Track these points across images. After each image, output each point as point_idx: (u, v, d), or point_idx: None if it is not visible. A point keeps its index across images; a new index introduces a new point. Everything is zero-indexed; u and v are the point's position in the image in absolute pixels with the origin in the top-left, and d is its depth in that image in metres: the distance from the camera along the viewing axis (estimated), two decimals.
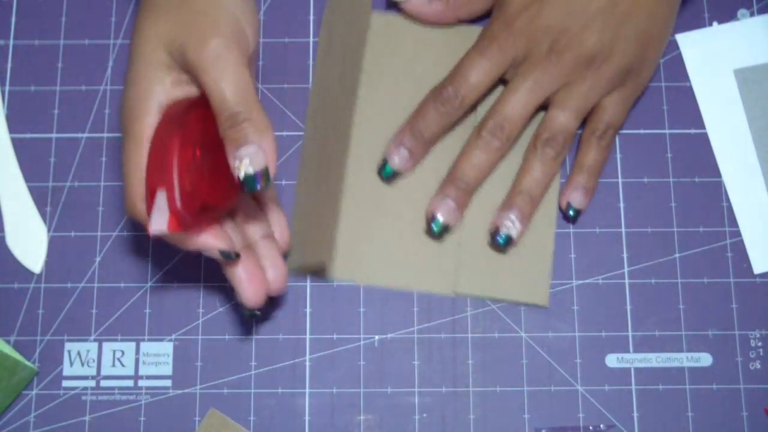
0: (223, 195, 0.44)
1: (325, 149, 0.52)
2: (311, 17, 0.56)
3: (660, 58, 0.52)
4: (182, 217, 0.42)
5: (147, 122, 0.43)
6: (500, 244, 0.50)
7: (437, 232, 0.50)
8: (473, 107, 0.52)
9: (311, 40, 0.55)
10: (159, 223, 0.42)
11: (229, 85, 0.42)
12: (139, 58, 0.43)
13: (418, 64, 0.54)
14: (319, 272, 0.51)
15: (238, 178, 0.42)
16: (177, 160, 0.42)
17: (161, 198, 0.42)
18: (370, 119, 0.53)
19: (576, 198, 0.51)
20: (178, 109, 0.43)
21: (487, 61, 0.50)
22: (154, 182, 0.42)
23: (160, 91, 0.43)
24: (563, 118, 0.50)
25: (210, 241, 0.44)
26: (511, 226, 0.50)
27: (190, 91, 0.44)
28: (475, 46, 0.50)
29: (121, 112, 0.44)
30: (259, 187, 0.42)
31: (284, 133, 0.54)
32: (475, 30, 0.53)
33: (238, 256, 0.45)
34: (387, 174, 0.51)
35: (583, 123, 0.52)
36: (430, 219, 0.50)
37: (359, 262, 0.51)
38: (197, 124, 0.43)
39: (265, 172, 0.42)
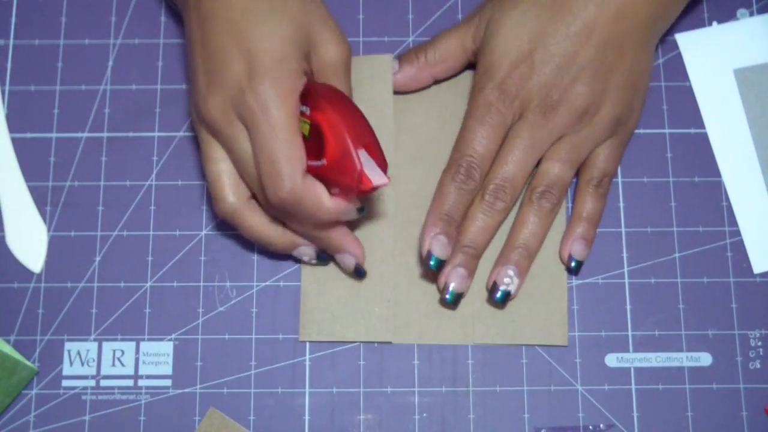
0: None
1: (355, 226, 0.51)
2: None
3: (643, 106, 0.52)
4: (386, 169, 0.44)
5: (294, 100, 0.44)
6: (498, 300, 0.50)
7: (451, 301, 0.50)
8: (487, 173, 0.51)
9: None
10: (378, 177, 0.43)
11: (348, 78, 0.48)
12: (274, 46, 0.44)
13: (422, 125, 0.54)
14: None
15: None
16: (356, 122, 0.44)
17: (363, 155, 0.43)
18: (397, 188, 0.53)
19: (577, 249, 0.51)
20: (327, 88, 0.46)
21: (490, 129, 0.49)
22: (355, 142, 0.43)
23: (299, 78, 0.44)
24: (558, 170, 0.50)
25: (352, 203, 0.46)
26: (509, 282, 0.50)
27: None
28: (474, 115, 0.50)
29: (252, 99, 0.44)
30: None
31: None
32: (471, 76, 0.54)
33: (365, 212, 0.48)
34: (435, 266, 0.49)
35: (577, 173, 0.52)
36: (444, 290, 0.50)
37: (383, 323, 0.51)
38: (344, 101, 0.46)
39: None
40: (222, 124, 0.45)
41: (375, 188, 0.43)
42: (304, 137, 0.44)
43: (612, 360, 0.51)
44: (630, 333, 0.51)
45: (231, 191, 0.47)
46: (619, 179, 0.53)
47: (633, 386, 0.51)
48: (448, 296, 0.50)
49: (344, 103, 0.45)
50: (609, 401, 0.50)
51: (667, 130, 0.54)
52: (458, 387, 0.51)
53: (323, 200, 0.45)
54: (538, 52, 0.48)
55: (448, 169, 0.50)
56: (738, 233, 0.53)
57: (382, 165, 0.44)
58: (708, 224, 0.53)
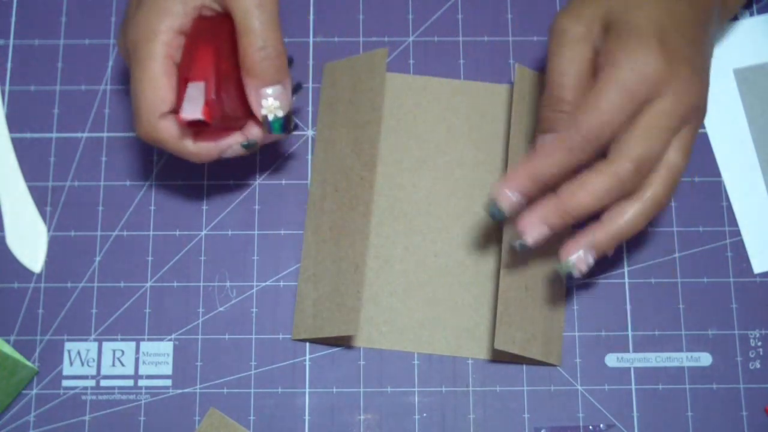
0: (242, 113, 0.46)
1: (341, 219, 0.51)
2: (311, 17, 0.56)
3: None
4: (213, 107, 0.43)
5: (163, 40, 0.43)
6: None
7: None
8: (603, 148, 0.44)
9: (311, 40, 0.55)
10: (192, 110, 0.43)
11: (260, 17, 0.42)
12: None
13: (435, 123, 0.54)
14: (341, 339, 0.51)
15: (265, 118, 0.44)
16: (213, 61, 0.43)
17: (195, 89, 0.43)
18: (391, 185, 0.53)
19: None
20: (209, 24, 0.44)
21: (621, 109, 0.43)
22: (189, 76, 0.43)
23: (178, 13, 0.43)
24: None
25: (230, 140, 0.46)
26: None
27: (212, 14, 0.44)
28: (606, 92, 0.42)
29: (128, 36, 0.44)
30: (285, 133, 0.45)
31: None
32: (479, 86, 0.54)
33: (257, 144, 0.46)
34: (499, 217, 0.44)
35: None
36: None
37: (376, 328, 0.51)
38: (227, 42, 0.44)
39: (289, 116, 0.44)
40: (122, 53, 0.46)
41: (189, 121, 0.43)
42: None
43: (612, 360, 0.51)
44: (630, 333, 0.51)
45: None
46: None
47: (633, 386, 0.51)
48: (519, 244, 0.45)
49: (207, 38, 0.44)
50: (609, 401, 0.50)
51: None
52: (458, 387, 0.51)
53: (184, 144, 0.44)
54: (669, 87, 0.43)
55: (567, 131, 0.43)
56: (738, 233, 0.53)
57: (220, 103, 0.43)
58: (708, 224, 0.53)
